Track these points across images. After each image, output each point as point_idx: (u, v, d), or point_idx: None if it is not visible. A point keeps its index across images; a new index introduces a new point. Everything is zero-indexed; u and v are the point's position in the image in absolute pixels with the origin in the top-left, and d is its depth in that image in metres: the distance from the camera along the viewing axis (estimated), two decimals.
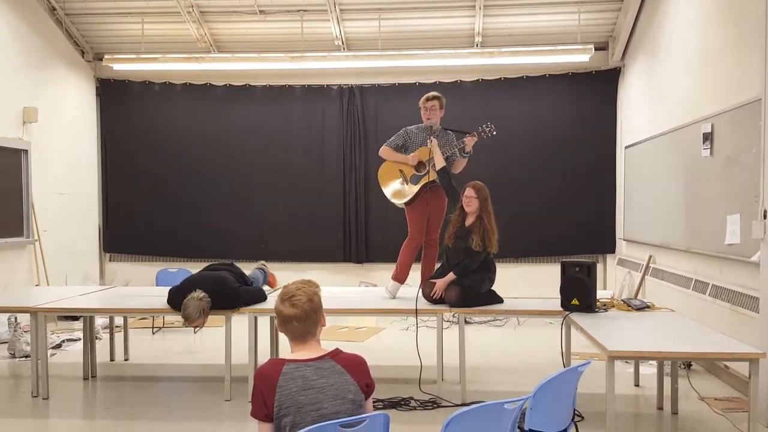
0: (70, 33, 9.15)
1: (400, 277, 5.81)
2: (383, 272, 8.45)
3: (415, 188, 5.71)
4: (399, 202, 5.83)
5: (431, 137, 5.65)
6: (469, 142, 5.63)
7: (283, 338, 6.09)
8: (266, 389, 2.42)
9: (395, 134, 5.91)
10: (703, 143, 5.91)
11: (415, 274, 5.86)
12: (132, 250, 9.81)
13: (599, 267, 8.75)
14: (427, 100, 5.76)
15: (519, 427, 2.79)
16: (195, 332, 6.25)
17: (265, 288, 5.93)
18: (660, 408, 5.03)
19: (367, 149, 9.25)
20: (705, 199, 5.95)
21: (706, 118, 5.93)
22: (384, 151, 5.89)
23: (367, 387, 2.55)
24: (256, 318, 5.30)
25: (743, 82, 5.32)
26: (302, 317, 2.53)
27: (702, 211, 6.02)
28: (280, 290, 2.67)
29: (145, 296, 6.03)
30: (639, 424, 4.85)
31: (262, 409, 2.42)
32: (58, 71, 8.93)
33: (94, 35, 9.35)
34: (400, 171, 5.80)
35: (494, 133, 5.68)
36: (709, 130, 5.82)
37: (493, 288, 5.39)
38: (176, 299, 5.24)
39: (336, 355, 2.55)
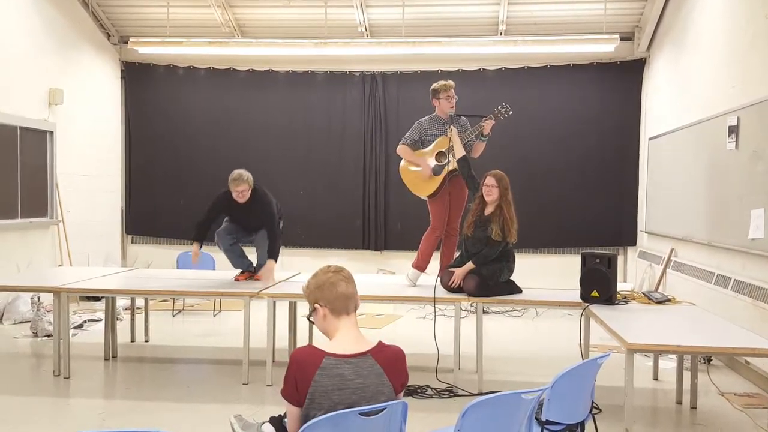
0: (97, 16, 9.21)
1: (422, 265, 5.81)
2: (401, 260, 8.46)
3: (438, 179, 5.68)
4: (422, 195, 5.80)
5: (451, 126, 5.61)
6: (488, 125, 5.58)
7: (300, 324, 6.12)
8: (301, 378, 2.37)
9: (410, 129, 5.86)
10: (729, 136, 5.83)
11: (434, 263, 5.86)
12: (153, 232, 9.90)
13: (620, 259, 8.69)
14: (450, 88, 5.71)
15: (536, 418, 2.79)
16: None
17: None
18: (679, 402, 5.01)
19: (388, 136, 9.24)
20: (729, 192, 5.87)
21: (731, 111, 5.84)
22: (402, 150, 5.84)
23: (402, 385, 2.52)
24: (274, 302, 5.33)
25: None
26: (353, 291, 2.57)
27: (725, 205, 5.94)
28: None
29: (166, 278, 6.09)
30: (657, 418, 4.82)
31: (294, 395, 2.40)
32: (83, 54, 9.00)
33: (120, 18, 9.40)
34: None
35: (510, 113, 5.63)
36: (735, 123, 5.74)
37: (512, 278, 5.38)
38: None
39: (378, 352, 2.48)
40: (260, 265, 6.00)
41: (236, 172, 5.69)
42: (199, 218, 5.83)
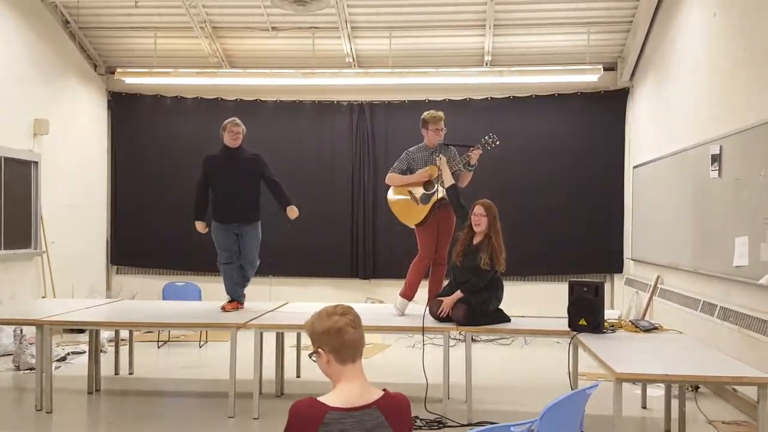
0: (83, 46, 9.23)
1: (409, 294, 5.79)
2: (390, 288, 8.43)
3: (426, 208, 5.69)
4: (410, 223, 5.80)
5: (439, 155, 5.64)
6: (474, 155, 5.61)
7: (288, 355, 6.06)
8: None
9: (398, 159, 5.90)
10: (712, 165, 5.90)
11: (422, 292, 5.84)
12: (139, 262, 9.82)
13: (607, 286, 8.70)
14: (441, 119, 5.74)
15: None
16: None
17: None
18: (668, 431, 4.99)
19: (376, 165, 9.27)
20: (713, 220, 5.92)
21: (714, 139, 5.91)
22: (390, 178, 5.87)
23: None
24: (261, 333, 5.29)
25: (752, 104, 5.32)
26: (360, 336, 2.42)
27: (710, 233, 5.99)
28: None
29: (151, 309, 6.04)
30: None
31: None
32: (70, 84, 9.00)
33: (107, 49, 9.43)
34: (409, 192, 5.79)
35: (497, 143, 5.67)
36: (718, 152, 5.80)
37: (500, 307, 5.37)
38: None
39: (383, 403, 2.36)
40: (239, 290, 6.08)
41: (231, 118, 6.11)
42: (194, 197, 6.08)
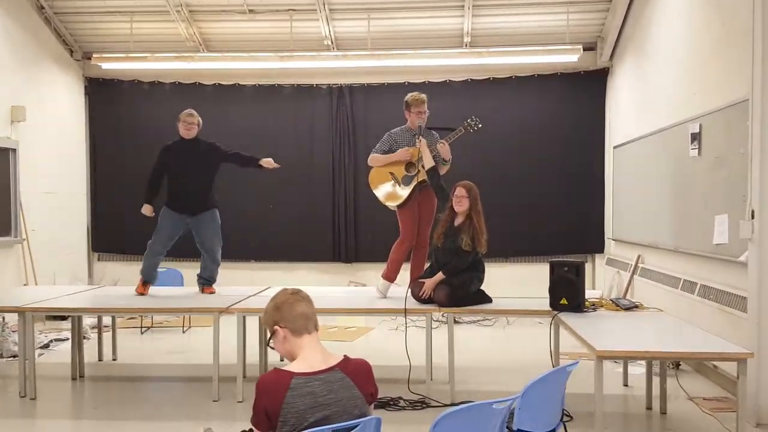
0: (59, 31, 9.08)
1: (391, 276, 5.81)
2: (372, 272, 8.43)
3: (407, 189, 5.70)
4: (392, 204, 5.81)
5: (419, 137, 5.65)
6: (443, 150, 5.63)
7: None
8: (271, 404, 2.31)
9: (380, 140, 5.90)
10: (691, 143, 5.94)
11: (404, 274, 5.86)
12: (121, 249, 9.73)
13: (588, 267, 8.73)
14: (423, 102, 5.74)
15: (507, 427, 2.79)
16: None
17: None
18: (649, 408, 5.05)
19: (356, 148, 9.24)
20: (693, 198, 5.97)
21: (694, 118, 5.95)
22: (373, 159, 5.88)
23: (372, 396, 2.51)
24: (244, 317, 5.28)
25: (731, 82, 5.35)
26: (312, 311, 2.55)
27: (690, 211, 6.04)
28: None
29: (134, 296, 6.00)
30: (628, 424, 4.86)
31: (265, 422, 2.34)
32: (46, 70, 8.86)
33: (82, 34, 9.28)
34: (391, 173, 5.79)
35: (480, 126, 5.68)
36: (697, 130, 5.84)
37: (482, 288, 5.40)
38: None
39: (345, 365, 2.46)
40: (211, 271, 6.17)
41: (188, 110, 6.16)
42: (148, 178, 6.16)
